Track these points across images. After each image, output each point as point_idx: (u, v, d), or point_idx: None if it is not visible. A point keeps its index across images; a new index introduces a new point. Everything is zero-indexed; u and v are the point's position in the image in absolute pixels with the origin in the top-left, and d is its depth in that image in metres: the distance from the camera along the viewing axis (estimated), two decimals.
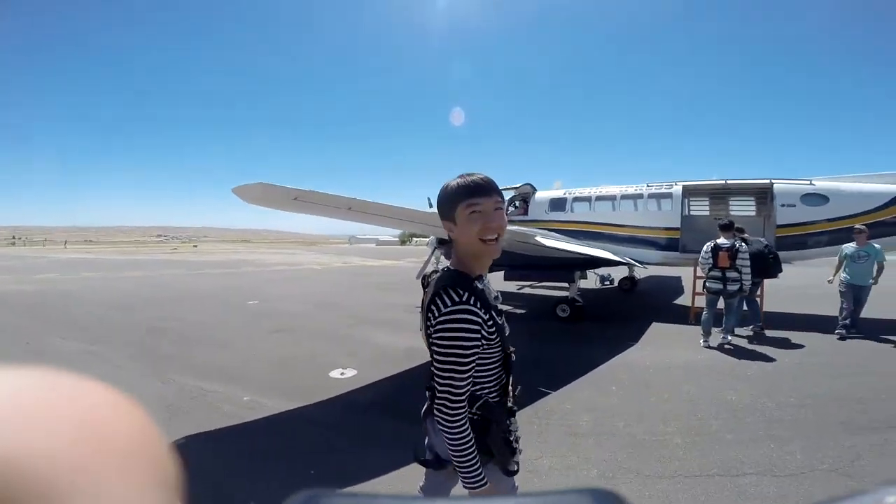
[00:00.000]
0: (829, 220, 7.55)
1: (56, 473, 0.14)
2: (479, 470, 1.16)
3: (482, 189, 1.19)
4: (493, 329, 1.20)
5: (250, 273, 18.18)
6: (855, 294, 6.16)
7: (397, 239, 45.79)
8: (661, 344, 5.99)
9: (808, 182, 7.95)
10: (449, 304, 1.14)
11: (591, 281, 10.40)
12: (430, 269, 10.98)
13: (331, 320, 7.90)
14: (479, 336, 1.15)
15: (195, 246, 68.61)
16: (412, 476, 2.71)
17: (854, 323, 6.20)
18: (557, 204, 10.11)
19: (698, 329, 6.10)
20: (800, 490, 2.55)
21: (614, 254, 8.34)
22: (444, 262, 11.13)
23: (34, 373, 0.17)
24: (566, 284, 7.92)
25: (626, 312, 8.70)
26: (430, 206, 11.66)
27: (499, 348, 1.25)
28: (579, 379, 4.54)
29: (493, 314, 1.22)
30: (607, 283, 11.31)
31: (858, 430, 3.32)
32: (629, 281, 11.32)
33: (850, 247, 6.24)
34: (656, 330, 6.86)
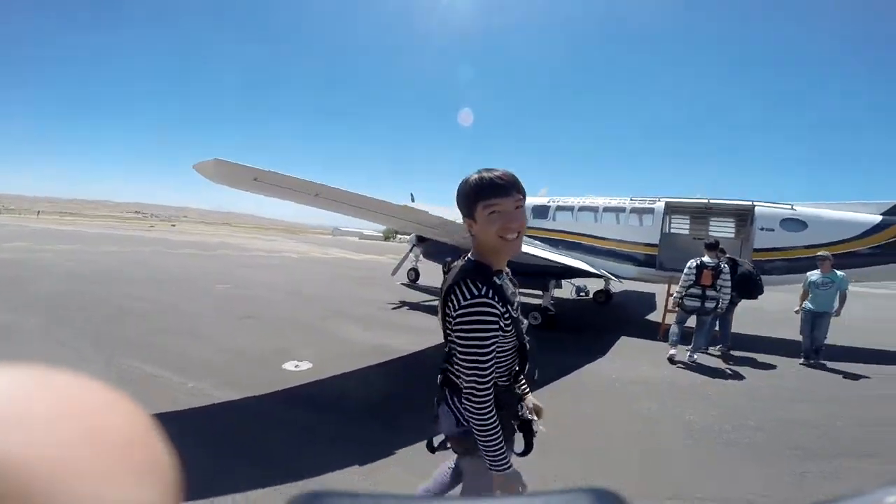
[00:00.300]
0: (805, 247, 7.55)
1: (53, 472, 0.14)
2: (504, 455, 1.20)
3: (501, 189, 1.20)
4: (510, 321, 1.25)
5: (226, 256, 17.70)
6: (814, 320, 6.15)
7: (381, 234, 45.28)
8: (628, 358, 5.94)
9: (790, 207, 7.99)
10: (468, 296, 1.18)
11: (566, 291, 10.37)
12: (408, 265, 10.75)
13: (300, 310, 7.68)
14: (497, 327, 1.20)
15: (173, 225, 67.08)
16: (339, 479, 2.56)
17: (817, 350, 6.20)
18: (540, 211, 10.04)
19: (666, 345, 6.08)
20: None
21: (591, 265, 8.30)
22: (424, 261, 10.87)
23: (30, 371, 0.17)
24: (540, 292, 7.85)
25: (598, 324, 8.68)
26: (413, 201, 11.49)
27: (514, 339, 1.30)
28: (540, 390, 4.42)
29: (510, 308, 1.26)
30: (582, 294, 11.31)
31: (812, 457, 3.29)
32: (604, 294, 11.33)
33: (814, 274, 6.27)
34: (625, 344, 6.82)
